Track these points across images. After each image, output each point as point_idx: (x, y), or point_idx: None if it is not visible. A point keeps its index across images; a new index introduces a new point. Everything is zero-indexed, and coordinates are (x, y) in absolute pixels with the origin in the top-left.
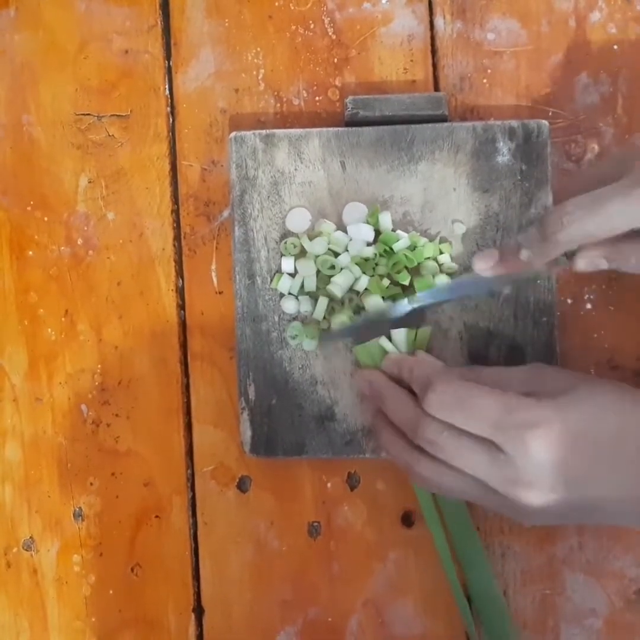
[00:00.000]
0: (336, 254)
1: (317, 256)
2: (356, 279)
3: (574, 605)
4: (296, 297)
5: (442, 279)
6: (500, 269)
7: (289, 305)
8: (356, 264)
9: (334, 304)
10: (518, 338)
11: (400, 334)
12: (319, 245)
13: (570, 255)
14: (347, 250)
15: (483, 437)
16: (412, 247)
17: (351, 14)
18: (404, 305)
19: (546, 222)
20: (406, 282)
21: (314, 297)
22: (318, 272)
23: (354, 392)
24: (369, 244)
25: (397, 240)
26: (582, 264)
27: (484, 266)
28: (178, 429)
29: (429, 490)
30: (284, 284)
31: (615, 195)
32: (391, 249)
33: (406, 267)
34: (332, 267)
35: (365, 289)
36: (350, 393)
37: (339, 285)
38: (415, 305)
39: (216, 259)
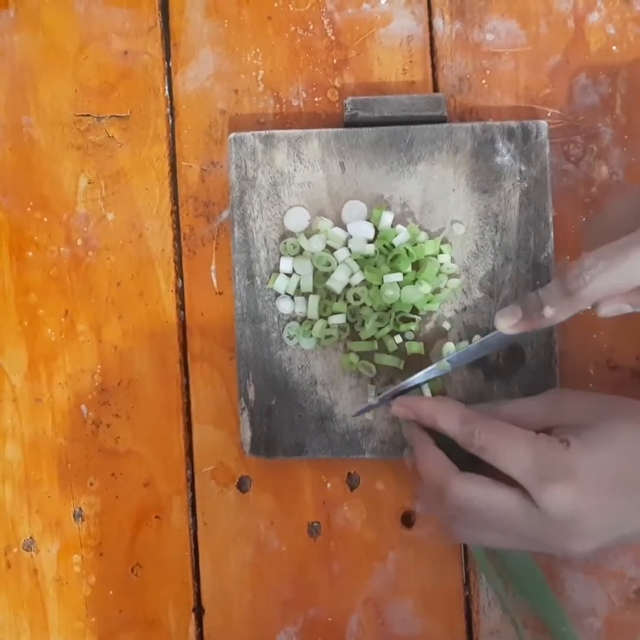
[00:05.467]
0: (334, 251)
1: (313, 254)
2: (353, 274)
3: (573, 604)
4: (291, 297)
5: (468, 343)
6: (523, 326)
7: (285, 305)
8: (355, 260)
9: (327, 302)
10: (517, 338)
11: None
12: (317, 242)
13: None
14: (346, 246)
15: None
16: (413, 242)
17: (350, 15)
18: (436, 370)
19: (567, 279)
20: (407, 269)
21: (308, 297)
22: (315, 270)
23: (353, 392)
24: (369, 242)
25: (396, 235)
26: (606, 311)
27: (508, 325)
28: (178, 429)
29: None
30: (281, 284)
31: (636, 246)
32: (391, 245)
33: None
34: (328, 264)
35: (363, 280)
36: (349, 393)
37: (338, 281)
38: (445, 371)
39: (216, 259)
